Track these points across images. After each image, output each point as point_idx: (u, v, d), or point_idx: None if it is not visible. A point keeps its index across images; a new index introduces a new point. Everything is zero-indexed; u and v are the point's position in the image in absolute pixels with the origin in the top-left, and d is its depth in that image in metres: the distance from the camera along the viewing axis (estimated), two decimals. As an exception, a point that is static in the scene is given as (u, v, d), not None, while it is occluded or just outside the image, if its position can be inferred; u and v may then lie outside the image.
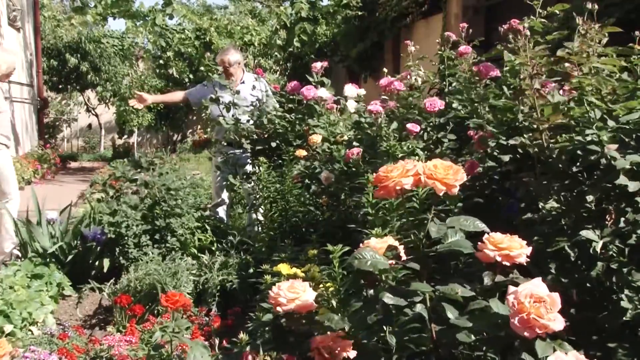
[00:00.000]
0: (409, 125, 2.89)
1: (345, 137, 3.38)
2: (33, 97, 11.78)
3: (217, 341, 2.31)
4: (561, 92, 2.20)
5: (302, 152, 3.40)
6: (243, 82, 4.53)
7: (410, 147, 2.87)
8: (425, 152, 2.91)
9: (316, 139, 3.36)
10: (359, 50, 11.16)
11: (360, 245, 1.66)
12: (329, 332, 1.62)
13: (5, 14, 9.84)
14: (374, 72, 10.99)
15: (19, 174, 8.24)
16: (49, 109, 15.40)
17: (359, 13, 10.82)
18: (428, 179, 1.44)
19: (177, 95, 5.12)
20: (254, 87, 4.28)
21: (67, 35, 13.38)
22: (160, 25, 12.72)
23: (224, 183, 4.26)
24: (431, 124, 3.06)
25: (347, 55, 11.92)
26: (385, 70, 3.94)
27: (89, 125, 17.34)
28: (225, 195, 4.57)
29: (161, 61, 13.92)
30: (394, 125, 3.01)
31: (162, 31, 13.16)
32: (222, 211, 4.59)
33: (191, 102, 4.74)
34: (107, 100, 14.53)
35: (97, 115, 15.61)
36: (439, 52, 3.31)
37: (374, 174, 2.48)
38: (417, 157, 2.80)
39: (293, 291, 1.71)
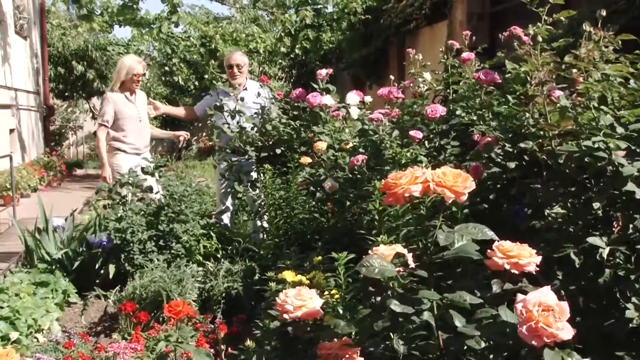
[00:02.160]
0: (411, 132, 2.90)
1: (350, 144, 3.38)
2: (39, 104, 11.85)
3: (224, 348, 2.30)
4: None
5: (307, 159, 3.40)
6: (245, 89, 4.54)
7: (413, 153, 2.87)
8: (429, 158, 2.92)
9: (321, 146, 3.36)
10: (363, 57, 11.18)
11: (369, 252, 1.65)
12: (335, 340, 1.62)
13: (12, 22, 9.93)
14: (379, 78, 11.00)
15: (24, 181, 8.26)
16: (55, 117, 15.46)
17: (363, 17, 10.82)
18: (437, 187, 1.43)
19: (186, 111, 5.16)
20: (258, 95, 4.29)
21: (74, 43, 13.46)
22: (165, 33, 12.78)
23: (228, 190, 4.26)
24: (434, 130, 3.07)
25: (351, 61, 11.93)
26: (392, 77, 3.96)
27: (94, 133, 17.35)
28: (229, 202, 4.57)
29: (166, 68, 13.98)
30: (396, 132, 3.02)
31: (168, 38, 13.23)
32: (226, 218, 4.60)
33: (200, 116, 4.79)
34: (113, 108, 14.53)
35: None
36: (443, 60, 3.33)
37: (381, 180, 2.49)
38: (421, 164, 2.80)
39: (300, 298, 1.70)
